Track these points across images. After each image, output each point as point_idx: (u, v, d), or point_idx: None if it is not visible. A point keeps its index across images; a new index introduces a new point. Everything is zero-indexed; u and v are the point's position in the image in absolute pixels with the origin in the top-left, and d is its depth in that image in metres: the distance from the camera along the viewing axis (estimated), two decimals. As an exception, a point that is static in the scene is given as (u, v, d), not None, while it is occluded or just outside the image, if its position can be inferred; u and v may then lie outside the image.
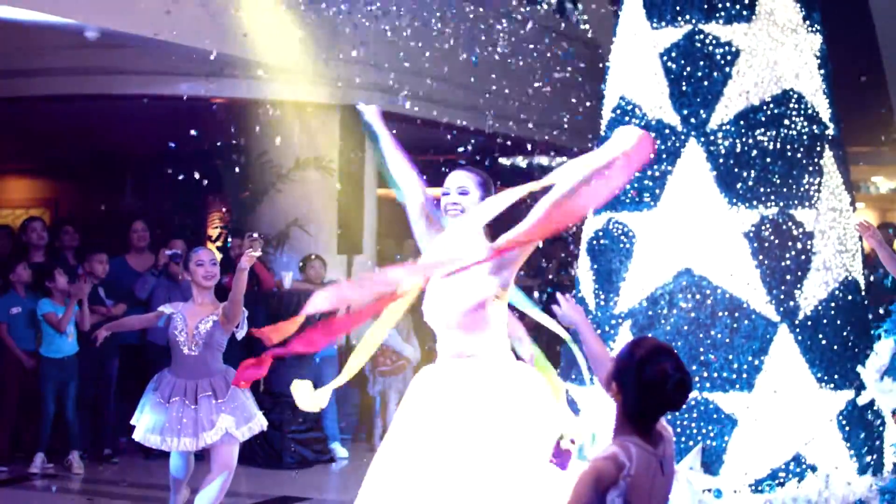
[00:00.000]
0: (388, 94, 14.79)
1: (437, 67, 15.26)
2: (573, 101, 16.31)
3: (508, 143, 16.78)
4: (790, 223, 9.31)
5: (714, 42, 9.49)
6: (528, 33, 17.11)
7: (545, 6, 18.27)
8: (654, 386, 4.81)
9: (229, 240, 14.37)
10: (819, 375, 9.13)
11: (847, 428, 9.17)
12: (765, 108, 9.43)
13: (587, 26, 18.23)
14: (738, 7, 9.53)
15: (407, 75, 14.85)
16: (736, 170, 9.31)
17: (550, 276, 16.30)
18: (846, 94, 11.35)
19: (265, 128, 14.56)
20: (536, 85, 16.66)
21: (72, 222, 14.36)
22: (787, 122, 9.46)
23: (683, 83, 9.49)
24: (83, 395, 12.57)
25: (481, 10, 16.25)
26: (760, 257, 9.20)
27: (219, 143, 14.95)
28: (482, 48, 16.06)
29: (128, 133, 16.92)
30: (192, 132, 12.87)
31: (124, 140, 17.52)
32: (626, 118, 9.66)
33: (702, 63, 9.47)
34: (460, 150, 16.45)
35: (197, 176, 13.32)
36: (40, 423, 12.23)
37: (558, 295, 5.76)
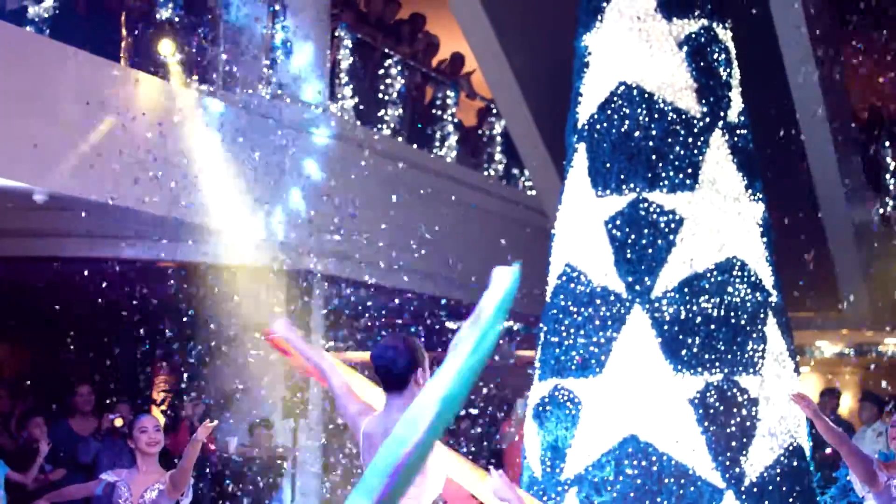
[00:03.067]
0: (335, 258, 14.84)
1: (385, 232, 15.34)
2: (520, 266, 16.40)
3: (456, 307, 16.82)
4: (735, 390, 9.34)
5: (658, 210, 9.60)
6: (475, 198, 17.29)
7: (493, 172, 18.49)
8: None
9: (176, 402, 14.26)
10: (766, 543, 9.10)
11: None
12: (709, 275, 9.52)
13: (533, 192, 18.44)
14: (681, 176, 9.67)
15: (354, 240, 14.92)
16: (681, 336, 9.37)
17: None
18: (789, 261, 11.50)
19: (211, 291, 14.54)
20: (483, 251, 16.79)
21: (15, 384, 14.22)
22: (730, 289, 9.55)
23: (628, 250, 9.58)
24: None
25: (428, 175, 16.41)
26: (706, 424, 9.21)
27: (165, 306, 14.90)
28: (429, 213, 16.19)
29: (74, 294, 16.84)
30: (139, 295, 12.81)
31: (70, 301, 17.42)
32: (572, 285, 9.73)
33: (646, 231, 9.58)
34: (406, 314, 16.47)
35: (143, 339, 13.26)
36: None
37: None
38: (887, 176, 20.97)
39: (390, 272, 15.78)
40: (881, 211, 20.53)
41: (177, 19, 13.77)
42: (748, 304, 9.61)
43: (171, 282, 14.58)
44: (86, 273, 14.87)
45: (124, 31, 13.62)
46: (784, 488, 9.32)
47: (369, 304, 16.45)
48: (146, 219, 13.11)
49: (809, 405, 7.63)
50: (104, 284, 15.20)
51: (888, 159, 21.02)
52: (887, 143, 21.13)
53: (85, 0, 13.61)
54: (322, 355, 6.58)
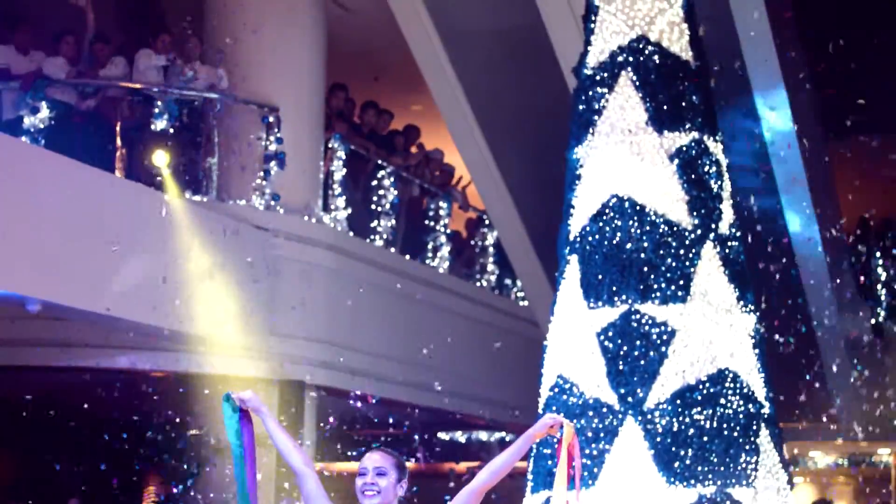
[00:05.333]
0: (325, 369, 14.81)
1: (376, 343, 15.34)
2: (512, 378, 16.41)
3: (449, 418, 16.77)
4: (728, 502, 9.31)
5: (650, 322, 9.63)
6: (467, 309, 17.30)
7: (485, 283, 18.52)
8: None
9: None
10: None
11: None
12: (701, 387, 9.53)
13: (526, 303, 18.47)
14: (673, 288, 9.71)
15: (345, 351, 14.91)
16: (673, 448, 9.35)
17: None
18: (782, 372, 11.51)
19: (203, 401, 14.49)
20: (475, 362, 16.79)
21: (4, 493, 14.13)
22: (723, 400, 9.56)
23: (620, 362, 9.60)
24: None
25: (421, 286, 16.44)
26: (700, 536, 9.18)
27: (157, 416, 14.85)
28: (422, 323, 16.22)
29: (65, 403, 16.79)
30: (132, 404, 12.75)
31: (62, 410, 17.37)
32: (564, 396, 9.73)
33: (638, 342, 9.60)
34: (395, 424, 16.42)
35: (134, 448, 13.19)
36: None
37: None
38: (878, 286, 21.05)
39: (383, 383, 15.75)
40: (872, 321, 20.59)
41: (172, 130, 13.87)
42: (741, 416, 9.61)
43: (165, 392, 14.54)
44: (79, 382, 14.85)
45: (119, 142, 13.73)
46: None
47: (362, 414, 16.40)
48: (139, 329, 13.10)
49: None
50: (97, 394, 15.18)
51: (879, 270, 21.13)
52: (878, 254, 21.25)
53: (80, 111, 13.74)
54: (287, 436, 6.48)
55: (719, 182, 10.23)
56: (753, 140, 15.48)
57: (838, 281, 17.92)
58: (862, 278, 20.50)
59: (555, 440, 6.37)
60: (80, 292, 12.24)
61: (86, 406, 15.86)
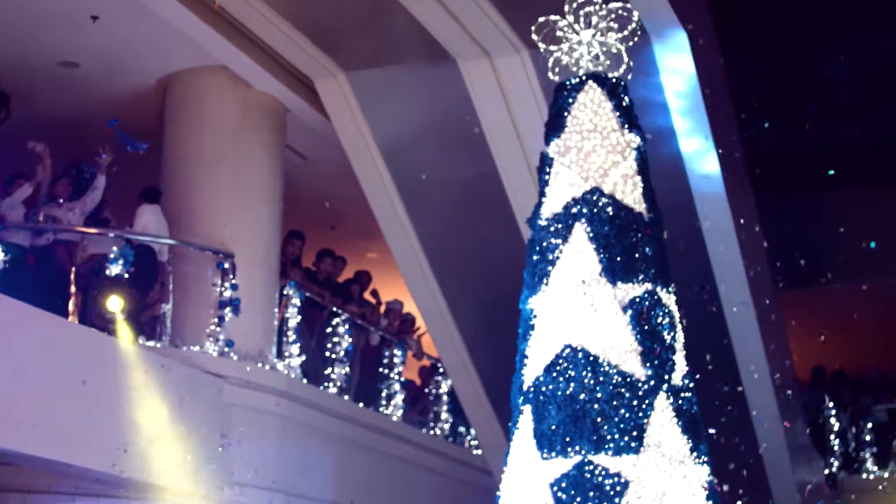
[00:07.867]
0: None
1: (328, 491, 15.25)
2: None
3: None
4: None
5: (603, 473, 9.61)
6: (420, 458, 17.23)
7: (439, 431, 18.47)
8: None
9: None
10: None
11: None
12: (655, 539, 9.50)
13: (479, 452, 18.42)
14: (626, 439, 9.71)
15: (297, 499, 14.81)
16: None
17: None
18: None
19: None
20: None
21: None
22: (676, 553, 9.52)
23: (573, 513, 9.56)
24: None
25: (374, 434, 16.40)
26: None
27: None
28: (374, 472, 16.14)
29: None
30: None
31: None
32: (518, 547, 9.66)
33: (591, 494, 9.56)
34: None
35: None
36: None
37: None
38: (832, 436, 21.13)
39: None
40: (826, 471, 20.62)
41: (126, 275, 13.87)
42: (695, 569, 9.57)
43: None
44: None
45: (73, 288, 13.72)
46: None
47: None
48: (91, 475, 12.98)
49: None
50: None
51: (832, 420, 21.22)
52: (831, 404, 21.37)
53: (35, 255, 13.74)
54: None
55: (672, 333, 10.28)
56: (706, 292, 15.62)
57: (792, 431, 17.97)
58: (816, 429, 20.59)
59: None
60: (31, 438, 12.12)
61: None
